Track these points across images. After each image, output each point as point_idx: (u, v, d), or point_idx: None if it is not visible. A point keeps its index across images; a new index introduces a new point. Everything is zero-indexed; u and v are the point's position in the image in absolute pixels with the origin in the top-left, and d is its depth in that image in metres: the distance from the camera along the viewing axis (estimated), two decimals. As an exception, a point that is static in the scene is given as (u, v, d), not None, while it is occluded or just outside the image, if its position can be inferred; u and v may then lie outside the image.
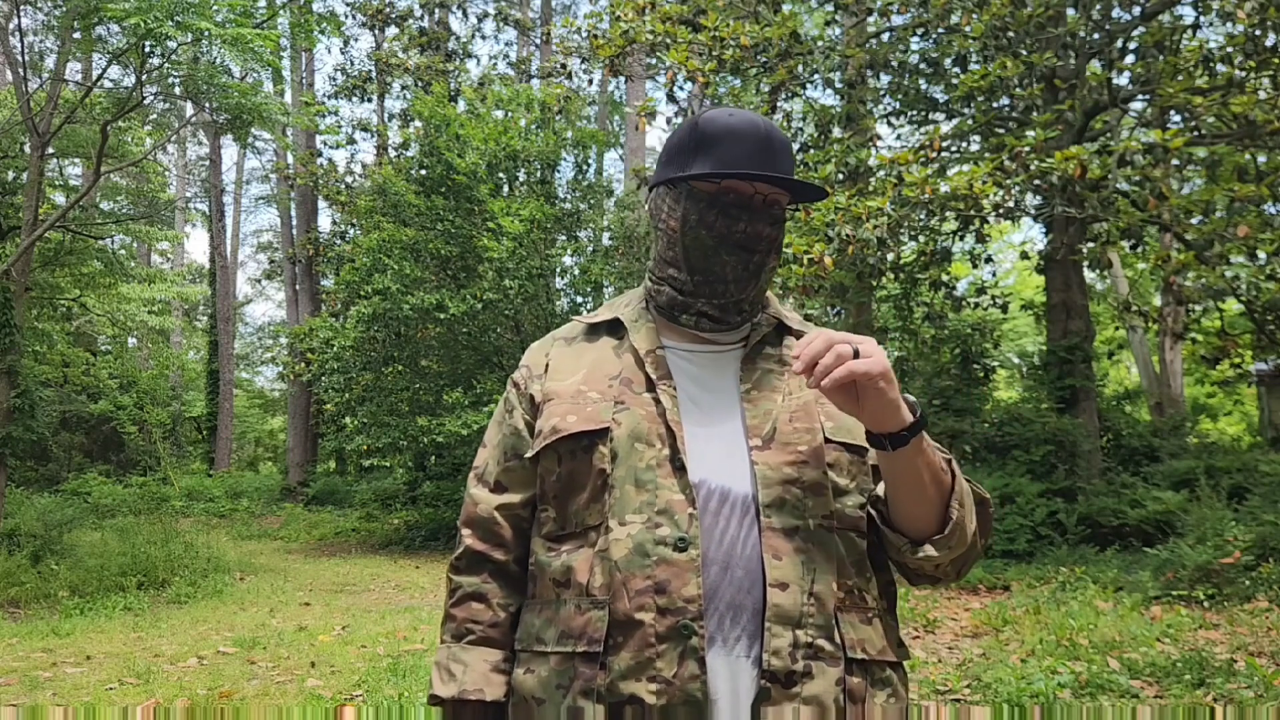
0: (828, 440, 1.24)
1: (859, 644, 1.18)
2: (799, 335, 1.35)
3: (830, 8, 11.10)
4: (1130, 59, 10.04)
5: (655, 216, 1.37)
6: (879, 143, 10.29)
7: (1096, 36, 9.80)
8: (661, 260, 1.35)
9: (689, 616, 1.13)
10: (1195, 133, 8.68)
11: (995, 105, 10.48)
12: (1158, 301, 16.51)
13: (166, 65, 10.79)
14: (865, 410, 1.14)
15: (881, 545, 1.29)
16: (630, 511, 1.19)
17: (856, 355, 1.11)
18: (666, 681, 1.12)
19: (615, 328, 1.36)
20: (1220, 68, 7.67)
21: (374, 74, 20.98)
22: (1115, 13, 9.95)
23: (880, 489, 1.27)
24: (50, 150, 12.59)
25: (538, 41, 21.74)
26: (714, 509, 1.19)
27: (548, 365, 1.36)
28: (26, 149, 12.69)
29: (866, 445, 1.25)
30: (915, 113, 12.12)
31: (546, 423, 1.29)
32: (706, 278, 1.29)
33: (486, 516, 1.34)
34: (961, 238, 9.33)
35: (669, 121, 11.56)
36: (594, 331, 1.38)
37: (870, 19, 10.90)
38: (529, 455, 1.31)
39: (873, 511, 1.27)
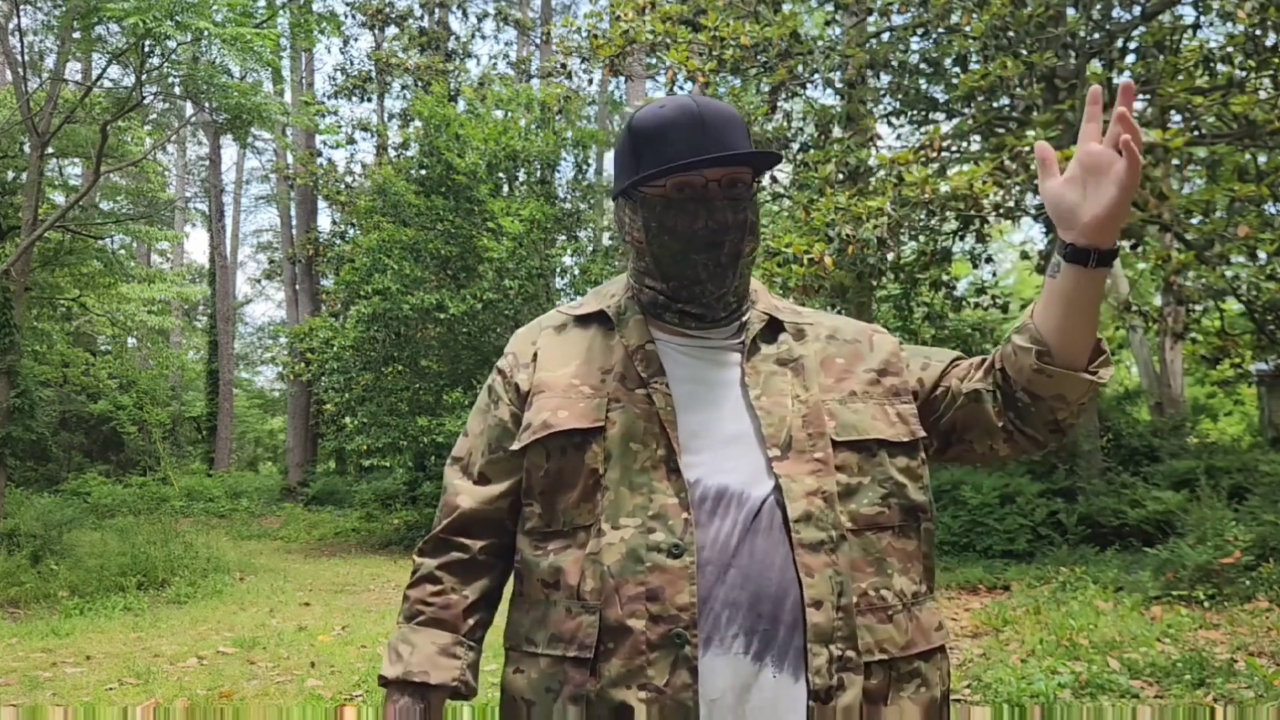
0: (835, 443, 1.22)
1: (876, 646, 1.17)
2: (793, 329, 1.33)
3: (830, 8, 11.09)
4: (1130, 59, 10.03)
5: (621, 230, 1.33)
6: (879, 143, 10.27)
7: (1097, 36, 9.79)
8: (637, 270, 1.31)
9: (681, 625, 1.11)
10: (1195, 132, 8.67)
11: (995, 105, 10.46)
12: (1158, 301, 16.49)
13: (166, 65, 10.78)
14: (1091, 206, 1.15)
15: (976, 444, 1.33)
16: (624, 515, 1.16)
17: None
18: (657, 690, 1.11)
19: (604, 319, 1.32)
20: (1220, 67, 7.67)
21: (374, 74, 20.97)
22: (1115, 12, 9.94)
23: (1032, 329, 1.23)
24: (50, 150, 12.58)
25: (538, 41, 21.74)
26: (709, 509, 1.16)
27: (536, 354, 1.31)
28: (26, 149, 12.69)
29: (875, 438, 1.24)
30: (915, 113, 12.10)
31: (536, 416, 1.25)
32: (682, 282, 1.26)
33: (463, 506, 1.31)
34: (962, 238, 9.32)
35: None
36: (582, 322, 1.33)
37: (870, 19, 10.89)
38: (515, 448, 1.27)
39: (1009, 369, 1.26)
